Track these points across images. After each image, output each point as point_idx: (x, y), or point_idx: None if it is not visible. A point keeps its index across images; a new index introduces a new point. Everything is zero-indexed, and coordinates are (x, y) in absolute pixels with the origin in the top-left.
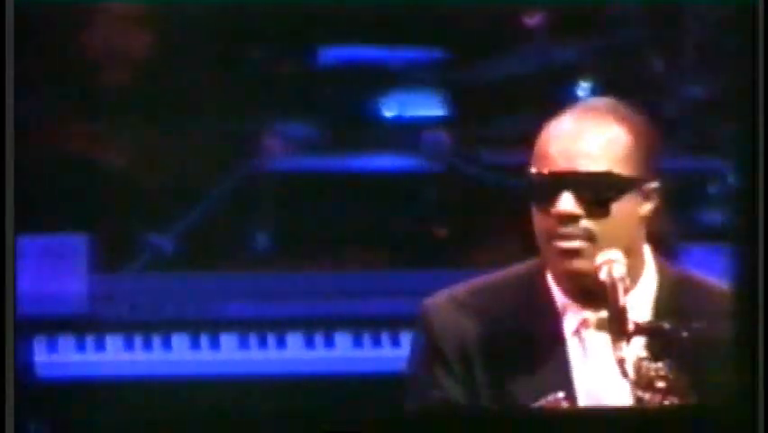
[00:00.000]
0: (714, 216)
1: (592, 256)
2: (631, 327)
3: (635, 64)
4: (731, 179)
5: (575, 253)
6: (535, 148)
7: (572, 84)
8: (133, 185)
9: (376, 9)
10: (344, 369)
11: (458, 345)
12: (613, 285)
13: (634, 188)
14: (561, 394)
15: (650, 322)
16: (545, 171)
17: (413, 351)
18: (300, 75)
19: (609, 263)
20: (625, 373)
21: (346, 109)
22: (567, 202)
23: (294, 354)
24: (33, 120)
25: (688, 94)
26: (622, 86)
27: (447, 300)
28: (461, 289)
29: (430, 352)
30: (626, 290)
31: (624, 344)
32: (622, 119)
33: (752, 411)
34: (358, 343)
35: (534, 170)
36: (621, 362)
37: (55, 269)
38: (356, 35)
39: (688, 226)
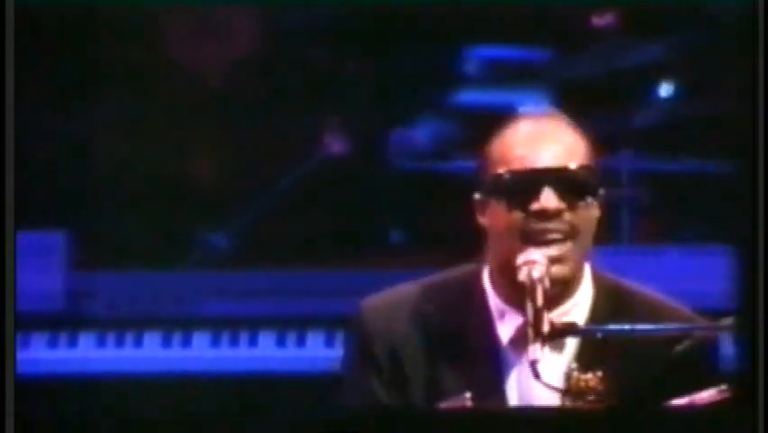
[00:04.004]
0: (705, 218)
1: (572, 261)
2: (546, 327)
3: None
4: (731, 180)
5: (557, 260)
6: (494, 154)
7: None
8: (118, 182)
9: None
10: (316, 367)
11: (389, 346)
12: (532, 286)
13: (597, 188)
14: (467, 394)
15: (565, 322)
16: (520, 168)
17: (345, 351)
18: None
19: (530, 264)
20: (537, 375)
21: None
22: (550, 197)
23: (265, 352)
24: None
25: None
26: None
27: (383, 301)
28: (398, 290)
29: (361, 352)
30: (545, 292)
31: (538, 345)
32: (574, 129)
33: (752, 412)
34: (330, 342)
35: (501, 170)
36: (534, 363)
37: (32, 266)
38: (489, 35)
39: (677, 229)
